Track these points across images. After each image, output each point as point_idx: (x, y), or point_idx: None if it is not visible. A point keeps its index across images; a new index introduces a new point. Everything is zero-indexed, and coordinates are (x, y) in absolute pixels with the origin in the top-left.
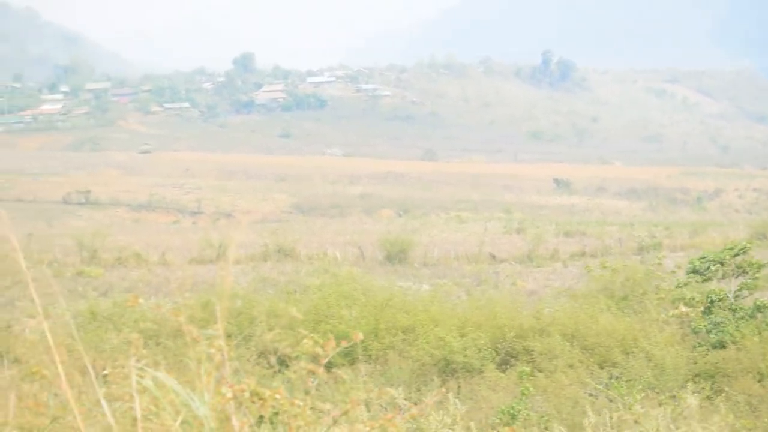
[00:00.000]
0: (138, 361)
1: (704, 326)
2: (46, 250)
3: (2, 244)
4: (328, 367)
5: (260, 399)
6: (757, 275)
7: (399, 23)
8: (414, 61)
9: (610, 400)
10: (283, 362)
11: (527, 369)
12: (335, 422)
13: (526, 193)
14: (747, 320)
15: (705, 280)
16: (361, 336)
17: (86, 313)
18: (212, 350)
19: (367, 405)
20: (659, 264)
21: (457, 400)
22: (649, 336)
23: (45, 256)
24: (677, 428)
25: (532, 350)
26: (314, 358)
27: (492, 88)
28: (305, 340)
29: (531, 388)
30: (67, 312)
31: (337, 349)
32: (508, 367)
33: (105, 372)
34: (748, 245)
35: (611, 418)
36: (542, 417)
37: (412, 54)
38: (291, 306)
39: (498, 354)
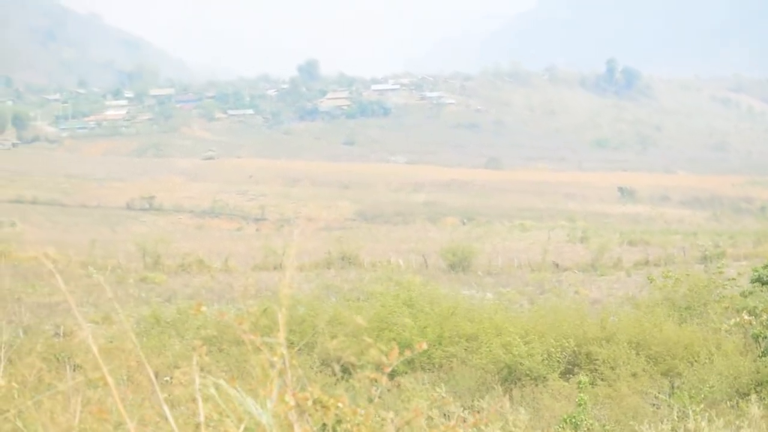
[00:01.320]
0: (201, 368)
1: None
2: (110, 256)
3: (66, 249)
4: (391, 375)
5: (323, 407)
6: None
7: (464, 31)
8: (479, 68)
9: (672, 410)
10: (347, 370)
11: (586, 379)
12: (398, 431)
13: (590, 202)
14: None
15: None
16: (424, 345)
17: (149, 318)
18: (275, 358)
19: (429, 414)
20: (720, 272)
21: (519, 408)
22: (711, 345)
23: (108, 261)
24: None
25: (596, 359)
26: (377, 367)
27: (557, 96)
28: (371, 351)
29: (587, 399)
30: (130, 318)
31: (401, 359)
32: (571, 375)
33: (167, 378)
34: None
35: (672, 428)
36: (604, 426)
37: (476, 62)
38: (355, 314)
39: (562, 362)
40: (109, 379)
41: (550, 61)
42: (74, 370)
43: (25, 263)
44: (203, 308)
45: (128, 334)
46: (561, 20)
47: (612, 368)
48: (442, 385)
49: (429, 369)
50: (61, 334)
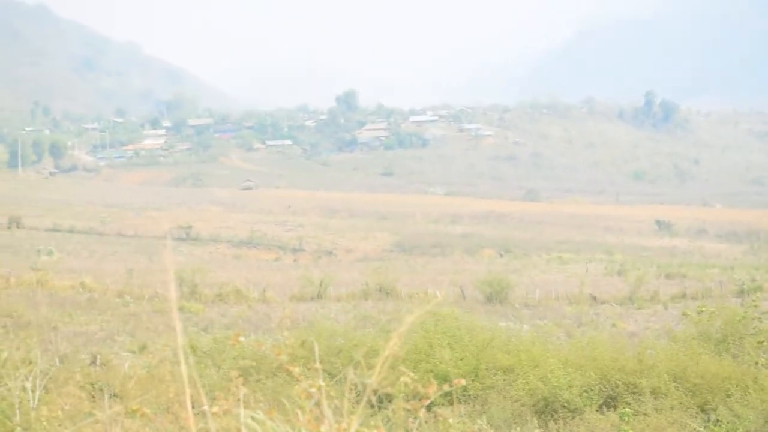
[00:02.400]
0: (239, 398)
1: None
2: (147, 285)
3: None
4: (428, 406)
5: None
6: None
7: (502, 63)
8: (517, 100)
9: None
10: (384, 401)
11: (629, 410)
12: None
13: (628, 235)
14: None
15: None
16: (462, 382)
17: (186, 348)
18: (313, 389)
19: None
20: (756, 306)
21: None
22: (747, 379)
23: (146, 291)
24: None
25: (634, 391)
26: (415, 398)
27: (595, 128)
28: (404, 378)
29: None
30: (166, 348)
31: (439, 392)
32: (608, 408)
33: (204, 408)
34: None
35: None
36: None
37: (514, 94)
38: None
39: (599, 395)
40: (147, 411)
41: (588, 93)
42: (113, 398)
43: (62, 292)
44: (241, 338)
45: (166, 363)
46: (599, 53)
47: (655, 398)
48: (483, 417)
49: (464, 401)
50: (98, 363)
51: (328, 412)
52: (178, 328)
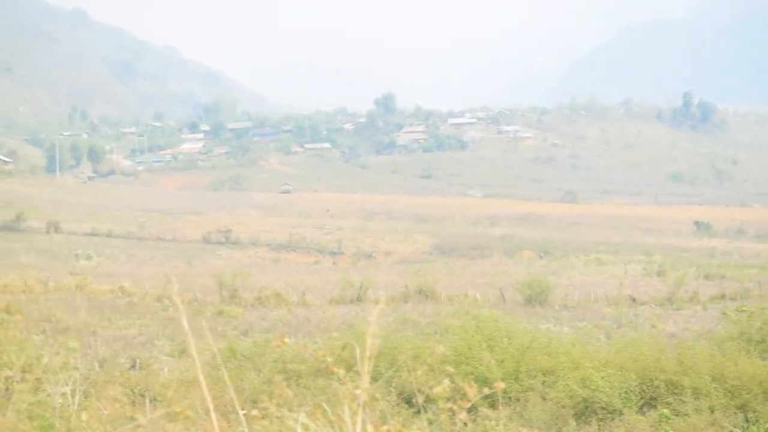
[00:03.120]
0: (281, 401)
1: None
2: (187, 290)
3: (141, 282)
4: (469, 408)
5: None
6: None
7: (540, 64)
8: (554, 102)
9: None
10: (426, 403)
11: (667, 411)
12: None
13: (666, 236)
14: None
15: None
16: (502, 385)
17: (225, 352)
18: (357, 391)
19: None
20: None
21: None
22: None
23: (185, 295)
24: None
25: (674, 392)
26: (455, 400)
27: (633, 130)
28: (446, 381)
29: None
30: (206, 351)
31: (479, 395)
32: (648, 409)
33: (244, 412)
34: None
35: None
36: None
37: (552, 95)
38: (437, 344)
39: (639, 396)
40: (190, 414)
41: (626, 94)
42: (153, 402)
43: (100, 296)
44: (286, 340)
45: (206, 367)
46: (636, 54)
47: (695, 399)
48: (522, 419)
49: (506, 403)
50: (137, 367)
51: (371, 413)
52: (190, 340)
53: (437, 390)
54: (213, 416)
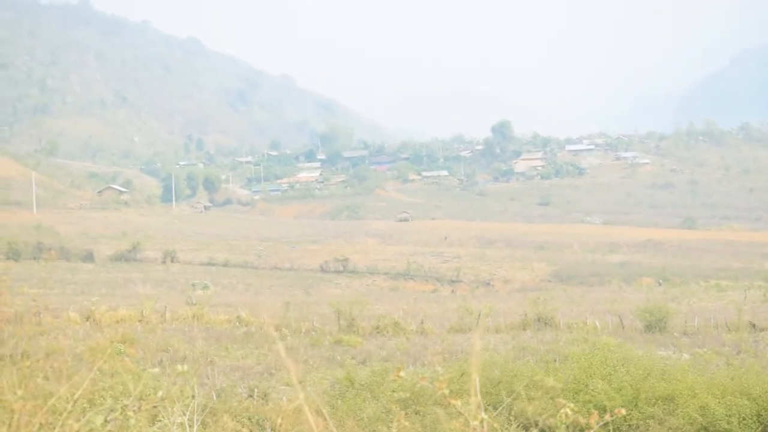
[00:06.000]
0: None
1: None
2: (304, 319)
3: (259, 311)
4: None
5: None
6: None
7: (656, 91)
8: (672, 128)
9: None
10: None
11: None
12: None
13: None
14: None
15: None
16: (622, 411)
17: (343, 381)
18: (475, 422)
19: None
20: None
21: None
22: None
23: (303, 324)
24: None
25: None
26: (576, 429)
27: (751, 155)
28: (566, 409)
29: None
30: (324, 381)
31: (601, 422)
32: None
33: None
34: None
35: None
36: None
37: (670, 121)
38: (548, 376)
39: (757, 422)
40: None
41: (744, 119)
42: None
43: (217, 326)
44: (402, 374)
45: (324, 396)
46: (753, 78)
47: None
48: None
49: (625, 431)
50: (255, 397)
51: None
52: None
53: (557, 418)
54: None
